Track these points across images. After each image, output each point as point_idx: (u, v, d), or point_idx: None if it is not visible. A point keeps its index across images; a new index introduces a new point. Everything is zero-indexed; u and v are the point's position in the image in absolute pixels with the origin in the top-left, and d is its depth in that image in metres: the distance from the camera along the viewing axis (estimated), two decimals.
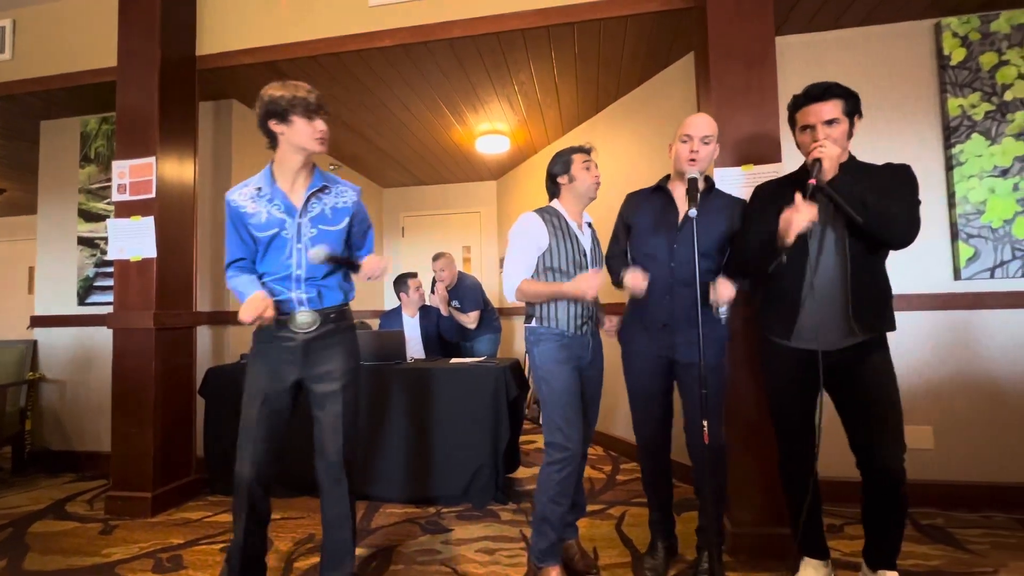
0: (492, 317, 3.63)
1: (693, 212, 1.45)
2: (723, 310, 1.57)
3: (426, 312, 3.43)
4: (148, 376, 2.47)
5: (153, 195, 2.52)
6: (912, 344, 2.34)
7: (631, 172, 3.18)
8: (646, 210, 1.78)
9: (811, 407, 1.55)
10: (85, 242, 3.27)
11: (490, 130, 3.89)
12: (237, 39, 2.71)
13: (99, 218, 3.23)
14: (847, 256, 1.45)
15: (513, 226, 1.75)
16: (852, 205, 1.38)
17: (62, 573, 1.89)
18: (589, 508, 2.33)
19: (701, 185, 1.63)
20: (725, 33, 2.02)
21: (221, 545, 2.07)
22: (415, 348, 3.33)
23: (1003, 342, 2.29)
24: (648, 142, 3.05)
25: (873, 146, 2.38)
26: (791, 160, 1.79)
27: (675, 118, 2.74)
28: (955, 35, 2.36)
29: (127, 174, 2.56)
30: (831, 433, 1.70)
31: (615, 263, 1.84)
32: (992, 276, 2.30)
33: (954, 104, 2.35)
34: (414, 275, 3.44)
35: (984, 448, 2.29)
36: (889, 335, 1.48)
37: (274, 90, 1.48)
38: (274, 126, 1.49)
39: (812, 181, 1.39)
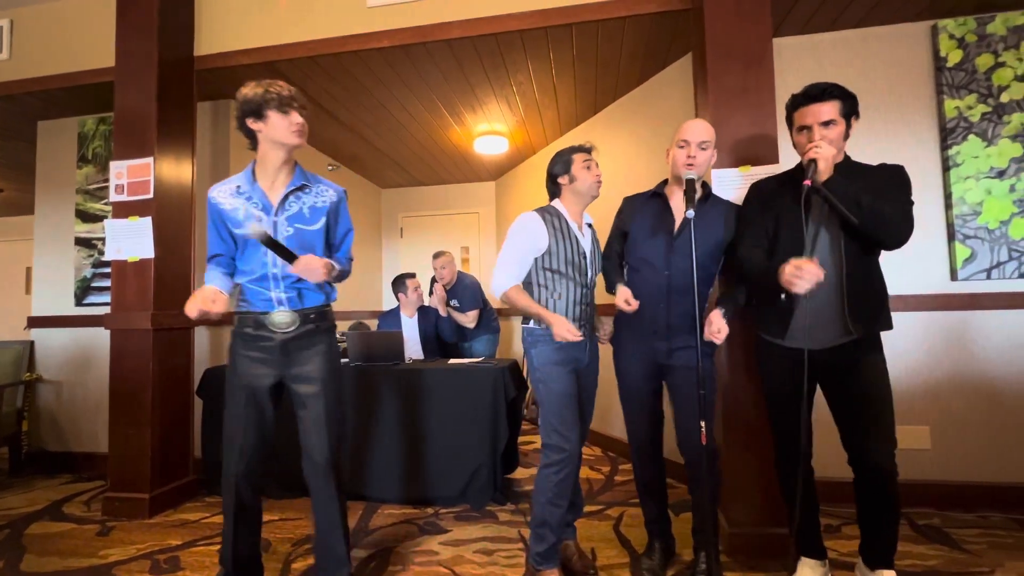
0: (491, 317, 3.63)
1: (691, 213, 1.45)
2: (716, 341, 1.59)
3: (424, 313, 3.43)
4: (145, 377, 2.46)
5: (151, 196, 2.51)
6: (909, 345, 2.35)
7: (629, 173, 3.18)
8: (643, 216, 1.77)
9: (807, 406, 1.55)
10: (82, 243, 3.26)
11: (488, 131, 3.89)
12: (235, 39, 2.71)
13: (96, 218, 3.23)
14: (843, 256, 1.46)
15: (513, 224, 1.73)
16: (847, 206, 1.39)
17: (59, 574, 1.89)
18: (587, 509, 2.34)
19: (699, 190, 1.63)
20: (723, 34, 2.03)
21: (218, 546, 2.06)
22: (413, 349, 3.33)
23: (1000, 343, 2.30)
24: (646, 143, 3.06)
25: (870, 147, 2.39)
26: (789, 161, 1.80)
27: (673, 119, 2.75)
28: (951, 37, 2.37)
29: (125, 174, 2.55)
30: (828, 434, 1.70)
31: (609, 265, 1.84)
32: (988, 277, 2.30)
33: (951, 106, 2.36)
34: (412, 276, 3.44)
35: (981, 448, 2.30)
36: (886, 335, 1.49)
37: (248, 89, 1.50)
38: (251, 124, 1.51)
39: (807, 182, 1.40)
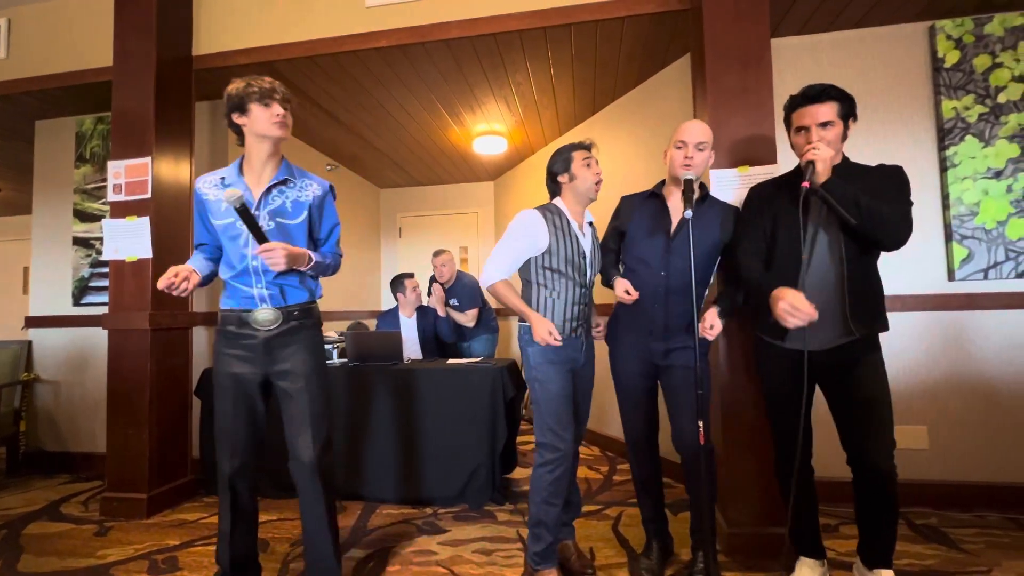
0: (490, 317, 3.63)
1: (689, 213, 1.46)
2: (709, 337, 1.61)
3: (423, 313, 3.43)
4: (143, 377, 2.46)
5: (149, 195, 2.51)
6: (907, 345, 2.36)
7: (628, 173, 3.19)
8: (640, 216, 1.77)
9: (807, 407, 1.56)
10: (80, 242, 3.25)
11: (487, 131, 3.89)
12: (234, 39, 2.71)
13: (94, 218, 3.22)
14: (843, 257, 1.46)
15: (514, 219, 1.71)
16: (845, 207, 1.39)
17: (57, 575, 1.88)
18: (585, 508, 2.34)
19: (697, 191, 1.64)
20: (721, 34, 2.03)
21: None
22: (412, 349, 3.33)
23: (997, 343, 2.30)
24: (645, 143, 3.06)
25: (868, 147, 2.40)
26: (787, 161, 1.80)
27: (672, 119, 2.75)
28: (949, 37, 2.37)
29: (123, 174, 2.55)
30: (828, 434, 1.71)
31: (606, 260, 1.85)
32: (986, 277, 2.31)
33: (948, 106, 2.36)
34: (411, 276, 3.44)
35: (978, 448, 2.30)
36: (883, 335, 1.50)
37: (232, 86, 1.52)
38: (237, 119, 1.53)
39: (805, 184, 1.40)
